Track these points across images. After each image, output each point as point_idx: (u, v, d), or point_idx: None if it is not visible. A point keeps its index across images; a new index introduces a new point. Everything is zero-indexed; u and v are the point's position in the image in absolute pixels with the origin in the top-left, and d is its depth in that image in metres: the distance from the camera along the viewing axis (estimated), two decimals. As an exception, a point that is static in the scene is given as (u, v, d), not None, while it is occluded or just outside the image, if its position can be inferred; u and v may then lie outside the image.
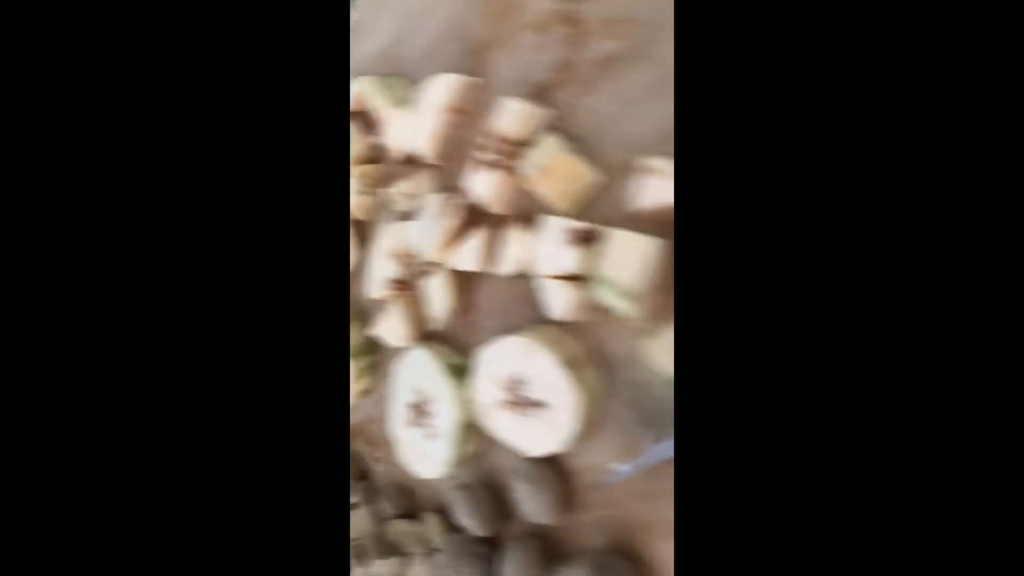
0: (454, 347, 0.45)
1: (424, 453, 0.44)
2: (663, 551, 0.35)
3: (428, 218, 0.42)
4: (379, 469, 0.55)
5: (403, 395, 0.46)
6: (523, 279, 0.40)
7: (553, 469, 0.39)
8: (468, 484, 0.43)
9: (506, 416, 0.39)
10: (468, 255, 0.40)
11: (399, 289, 0.46)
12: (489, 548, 0.43)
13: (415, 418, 0.45)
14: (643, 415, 0.35)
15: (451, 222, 0.41)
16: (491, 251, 0.40)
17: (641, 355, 0.35)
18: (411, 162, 0.46)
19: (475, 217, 0.41)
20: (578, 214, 0.36)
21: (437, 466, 0.43)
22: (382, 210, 0.49)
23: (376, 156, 0.49)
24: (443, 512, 0.48)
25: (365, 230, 0.52)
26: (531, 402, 0.38)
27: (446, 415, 0.42)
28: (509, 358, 0.38)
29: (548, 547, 0.41)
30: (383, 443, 0.54)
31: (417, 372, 0.44)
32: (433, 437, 0.43)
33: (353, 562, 0.51)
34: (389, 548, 0.49)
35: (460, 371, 0.43)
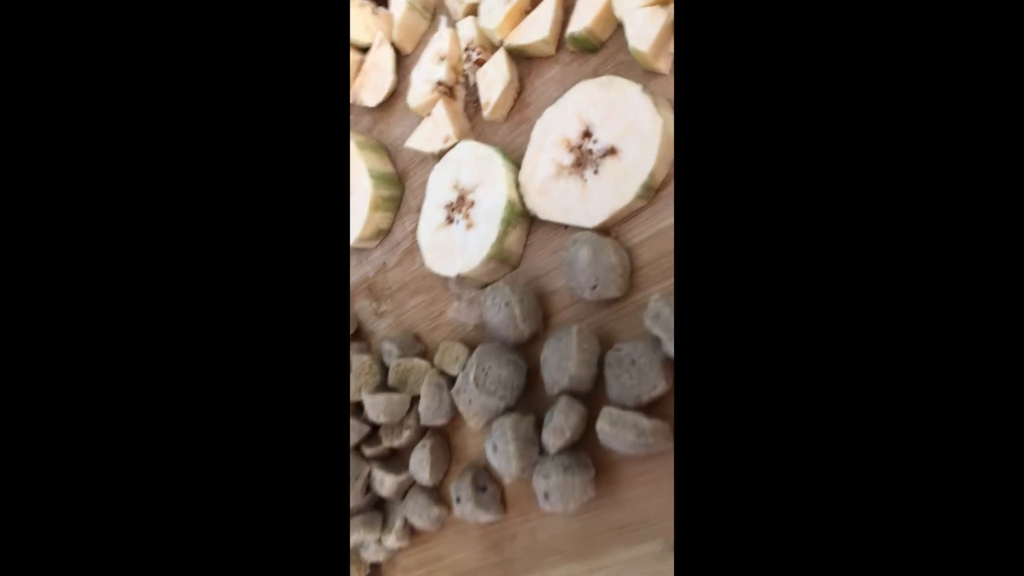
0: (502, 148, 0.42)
1: (460, 247, 0.39)
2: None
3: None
4: (382, 324, 0.48)
5: (439, 196, 0.41)
6: (589, 46, 0.38)
7: (614, 239, 0.35)
8: (508, 281, 0.37)
9: (568, 184, 0.35)
10: (535, 24, 0.38)
11: (444, 92, 0.43)
12: (524, 358, 0.37)
13: (452, 214, 0.40)
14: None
15: (520, -4, 0.39)
16: (560, 20, 0.39)
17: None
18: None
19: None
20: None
21: (478, 252, 0.37)
22: (436, 18, 0.47)
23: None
24: (466, 344, 0.41)
25: (403, 55, 0.49)
26: (602, 152, 0.34)
27: (493, 194, 0.37)
28: (577, 106, 0.35)
29: (602, 327, 0.35)
30: (392, 293, 0.47)
31: (459, 165, 0.40)
32: (475, 226, 0.38)
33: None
34: (386, 389, 0.42)
35: (509, 160, 0.39)
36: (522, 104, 0.41)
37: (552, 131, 0.36)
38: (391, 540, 0.41)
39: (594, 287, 0.33)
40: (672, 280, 0.33)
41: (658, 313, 0.29)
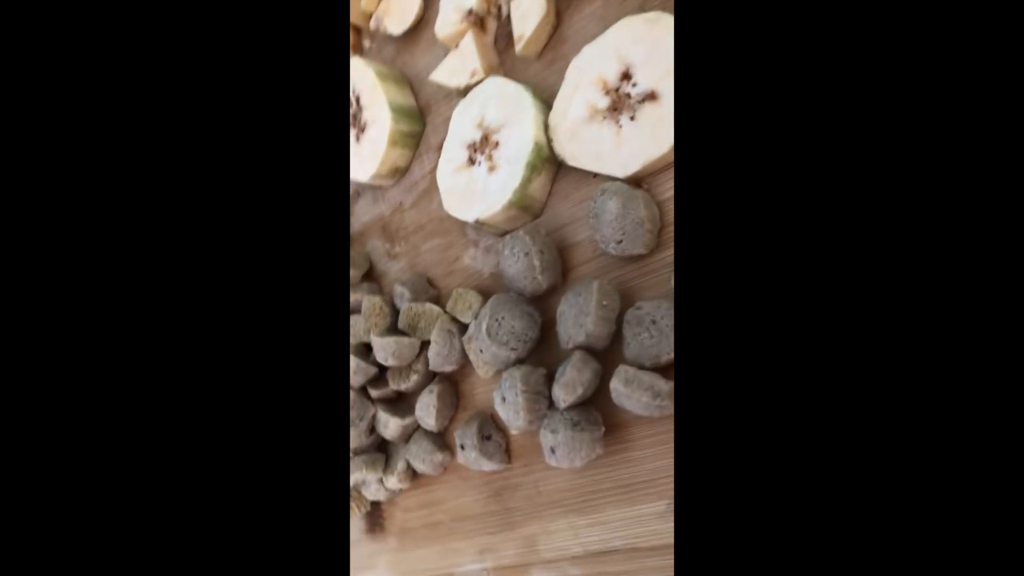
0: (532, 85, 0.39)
1: (480, 191, 0.37)
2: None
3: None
4: (395, 266, 0.47)
5: (462, 134, 0.39)
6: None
7: (646, 192, 0.33)
8: (530, 227, 0.35)
9: (601, 129, 0.33)
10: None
11: (475, 23, 0.41)
12: (539, 311, 0.36)
13: (474, 155, 0.38)
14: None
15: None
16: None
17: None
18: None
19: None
20: None
21: (499, 197, 0.36)
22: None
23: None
24: (480, 292, 0.40)
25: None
26: (641, 96, 0.32)
27: (519, 136, 0.35)
28: (618, 44, 0.32)
29: (624, 284, 0.33)
30: (407, 235, 0.46)
31: (485, 102, 0.38)
32: (498, 169, 0.36)
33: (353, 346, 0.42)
34: (396, 332, 0.41)
35: (540, 99, 0.37)
36: (558, 40, 0.38)
37: (589, 70, 0.34)
38: (392, 481, 0.42)
39: (620, 242, 0.32)
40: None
41: (687, 272, 0.27)
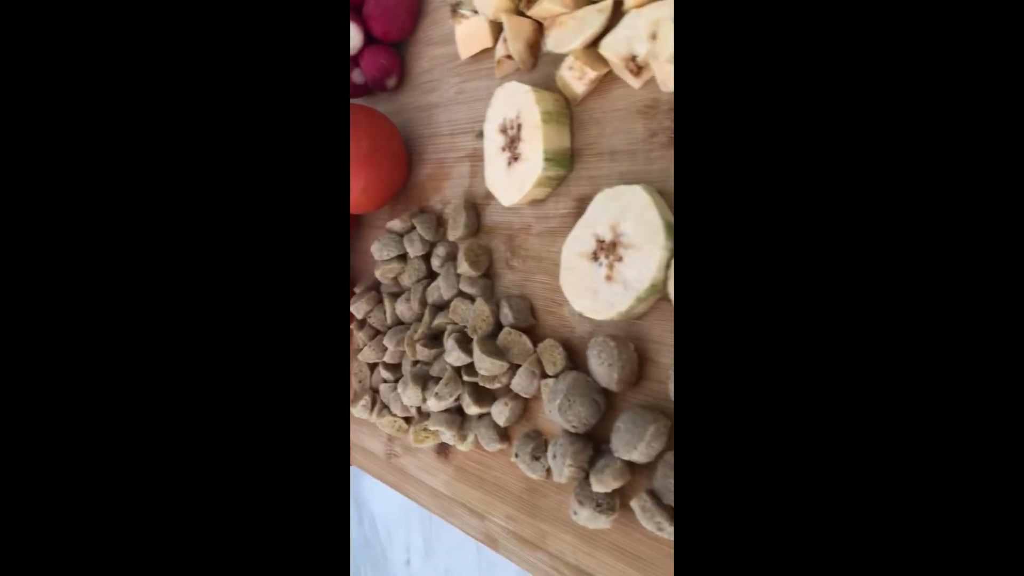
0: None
1: (594, 291, 0.42)
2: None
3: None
4: (508, 276, 0.54)
5: (596, 226, 0.43)
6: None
7: (725, 370, 0.38)
8: (620, 337, 0.42)
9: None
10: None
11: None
12: (605, 400, 0.44)
13: (599, 255, 0.42)
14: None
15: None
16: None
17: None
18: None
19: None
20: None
21: (604, 311, 0.41)
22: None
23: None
24: (568, 347, 0.47)
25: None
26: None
27: (642, 271, 0.39)
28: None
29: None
30: (526, 257, 0.52)
31: (625, 209, 0.41)
32: (613, 282, 0.41)
33: (450, 342, 0.52)
34: (494, 349, 0.50)
35: (672, 236, 0.39)
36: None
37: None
38: (464, 445, 0.55)
39: (686, 401, 0.38)
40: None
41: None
